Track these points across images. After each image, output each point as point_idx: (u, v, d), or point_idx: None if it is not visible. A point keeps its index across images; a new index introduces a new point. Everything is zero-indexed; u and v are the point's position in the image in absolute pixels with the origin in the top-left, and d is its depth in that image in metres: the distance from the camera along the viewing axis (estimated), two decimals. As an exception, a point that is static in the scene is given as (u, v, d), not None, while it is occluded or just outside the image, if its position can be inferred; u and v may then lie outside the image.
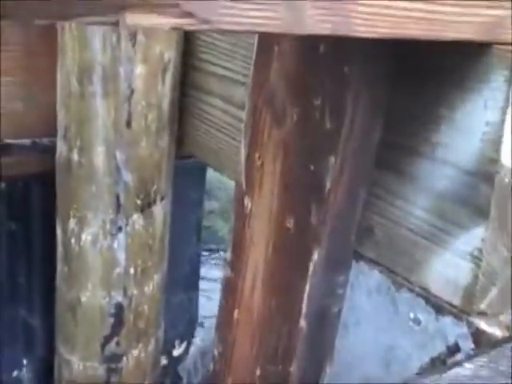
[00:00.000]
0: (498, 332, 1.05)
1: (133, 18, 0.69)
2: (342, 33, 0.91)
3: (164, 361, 2.08)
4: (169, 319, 1.97)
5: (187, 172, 2.04)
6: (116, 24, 0.68)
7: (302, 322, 1.28)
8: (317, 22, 0.87)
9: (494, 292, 1.07)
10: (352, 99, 1.19)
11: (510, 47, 1.03)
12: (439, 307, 1.12)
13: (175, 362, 2.14)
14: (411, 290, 1.16)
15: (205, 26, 0.74)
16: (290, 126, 1.26)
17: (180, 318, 2.15)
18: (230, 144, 1.64)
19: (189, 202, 2.12)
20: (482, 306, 1.07)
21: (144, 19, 0.70)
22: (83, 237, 1.59)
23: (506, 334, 1.06)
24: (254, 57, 1.38)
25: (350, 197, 1.22)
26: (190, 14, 0.72)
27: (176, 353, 2.14)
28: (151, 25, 0.70)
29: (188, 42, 1.79)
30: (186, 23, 0.73)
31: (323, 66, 1.20)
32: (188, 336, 2.18)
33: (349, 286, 1.29)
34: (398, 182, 1.19)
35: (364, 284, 1.26)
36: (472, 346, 1.06)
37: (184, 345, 2.16)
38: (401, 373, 1.18)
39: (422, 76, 1.15)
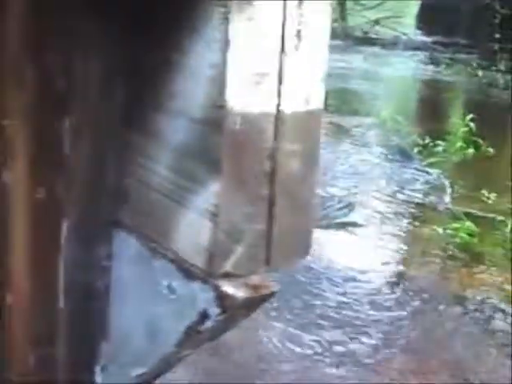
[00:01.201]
0: (243, 294, 0.97)
1: None
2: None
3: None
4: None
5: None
6: None
7: (62, 300, 1.17)
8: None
9: (239, 251, 0.99)
10: (84, 57, 1.08)
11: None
12: (189, 272, 1.03)
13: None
14: (164, 256, 1.07)
15: None
16: (29, 88, 1.15)
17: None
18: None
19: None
20: (227, 267, 0.99)
21: None
22: None
23: (255, 294, 0.99)
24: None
25: (94, 161, 1.12)
26: None
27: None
28: None
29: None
30: None
31: (51, 22, 1.09)
32: None
33: (112, 257, 1.19)
34: (144, 141, 1.09)
35: (125, 253, 1.16)
36: (218, 311, 0.98)
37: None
38: (164, 347, 1.09)
39: (153, 24, 1.05)
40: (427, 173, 6.11)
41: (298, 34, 0.96)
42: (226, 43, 0.91)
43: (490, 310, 3.66)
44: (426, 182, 5.90)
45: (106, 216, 1.17)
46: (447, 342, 3.30)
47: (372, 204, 5.17)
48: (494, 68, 12.34)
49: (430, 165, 6.26)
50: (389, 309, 3.64)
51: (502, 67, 12.36)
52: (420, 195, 5.58)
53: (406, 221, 4.99)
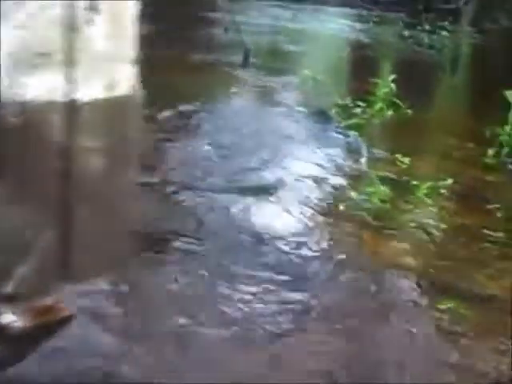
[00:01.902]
0: (25, 322, 0.80)
1: None
2: None
3: None
4: None
5: None
6: None
7: None
8: None
9: (23, 269, 0.81)
10: None
11: None
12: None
13: None
14: None
15: None
16: None
17: None
18: None
19: None
20: (8, 289, 0.81)
21: None
22: None
23: (44, 320, 0.82)
24: None
25: None
26: None
27: None
28: None
29: None
30: None
31: None
32: None
33: None
34: None
35: None
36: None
37: None
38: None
39: None
40: (344, 134, 6.01)
41: (92, 6, 0.78)
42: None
43: (387, 273, 3.65)
44: (343, 144, 5.80)
45: None
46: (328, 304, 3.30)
47: (284, 167, 5.04)
48: (419, 28, 12.30)
49: (349, 126, 6.15)
50: (284, 272, 3.56)
51: (427, 27, 12.34)
52: (335, 158, 5.49)
53: (318, 185, 4.89)
